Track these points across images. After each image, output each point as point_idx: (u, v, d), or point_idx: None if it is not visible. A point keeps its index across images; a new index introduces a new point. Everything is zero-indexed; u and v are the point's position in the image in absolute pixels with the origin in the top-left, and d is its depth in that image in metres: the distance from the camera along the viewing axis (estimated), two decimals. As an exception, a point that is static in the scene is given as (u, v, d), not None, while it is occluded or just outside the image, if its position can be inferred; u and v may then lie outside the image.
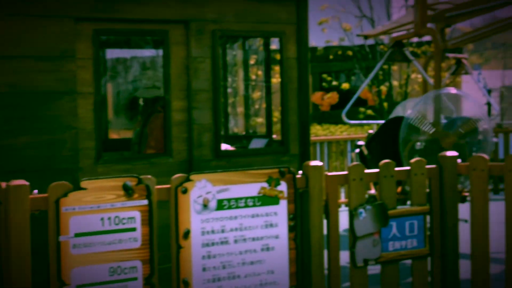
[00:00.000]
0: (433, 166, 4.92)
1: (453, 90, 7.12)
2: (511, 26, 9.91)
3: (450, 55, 11.36)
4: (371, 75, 9.42)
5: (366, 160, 7.40)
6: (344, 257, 4.82)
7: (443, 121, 6.95)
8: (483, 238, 4.86)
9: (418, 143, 6.66)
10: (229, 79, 11.29)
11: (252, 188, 4.28)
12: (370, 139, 7.70)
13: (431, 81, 8.52)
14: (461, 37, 10.07)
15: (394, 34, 9.06)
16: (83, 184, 3.85)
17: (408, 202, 5.37)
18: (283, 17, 6.17)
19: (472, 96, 7.06)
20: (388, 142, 7.21)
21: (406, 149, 6.69)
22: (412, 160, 4.87)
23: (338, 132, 22.46)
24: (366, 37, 12.12)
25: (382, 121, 8.35)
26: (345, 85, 23.54)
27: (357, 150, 7.66)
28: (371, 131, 9.21)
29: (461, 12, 7.82)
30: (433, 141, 6.66)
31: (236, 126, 12.35)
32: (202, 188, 4.13)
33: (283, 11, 6.15)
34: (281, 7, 6.15)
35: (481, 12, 8.24)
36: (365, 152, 7.54)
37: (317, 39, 23.97)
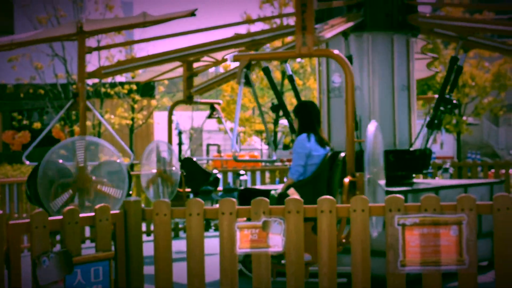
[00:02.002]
0: (118, 211, 4.99)
1: (90, 138, 7.26)
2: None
3: (204, 100, 11.86)
4: (59, 114, 9.33)
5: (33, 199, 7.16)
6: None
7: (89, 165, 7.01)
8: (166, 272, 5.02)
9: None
10: None
11: None
12: (29, 176, 7.55)
13: (105, 122, 8.69)
14: (204, 84, 10.98)
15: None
16: None
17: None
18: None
19: (106, 142, 7.21)
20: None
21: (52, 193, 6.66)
22: (97, 206, 4.89)
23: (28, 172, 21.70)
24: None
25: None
26: (37, 124, 22.98)
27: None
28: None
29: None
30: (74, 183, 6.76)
31: None
32: None
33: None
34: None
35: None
36: (28, 191, 7.38)
37: (7, 76, 23.09)
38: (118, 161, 6.88)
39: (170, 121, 11.01)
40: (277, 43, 17.36)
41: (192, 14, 8.09)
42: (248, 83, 6.88)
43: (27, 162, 8.32)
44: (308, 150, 6.67)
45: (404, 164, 8.65)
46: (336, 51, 6.60)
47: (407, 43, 8.99)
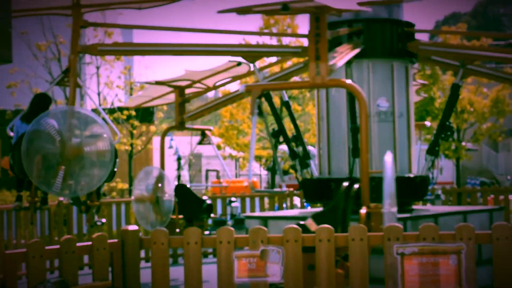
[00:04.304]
0: (115, 240, 4.97)
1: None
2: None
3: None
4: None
5: None
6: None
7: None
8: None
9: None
10: None
11: None
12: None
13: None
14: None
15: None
16: None
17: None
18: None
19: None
20: None
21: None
22: (94, 235, 4.88)
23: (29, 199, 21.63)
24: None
25: None
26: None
27: None
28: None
29: None
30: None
31: None
32: None
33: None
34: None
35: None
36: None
37: (6, 102, 23.12)
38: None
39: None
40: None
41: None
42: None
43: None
44: None
45: (405, 191, 8.61)
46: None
47: (406, 70, 9.03)
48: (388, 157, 5.94)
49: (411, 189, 8.68)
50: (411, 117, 9.12)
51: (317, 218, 6.34)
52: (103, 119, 6.90)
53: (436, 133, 9.15)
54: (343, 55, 7.82)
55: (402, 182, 8.62)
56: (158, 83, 10.30)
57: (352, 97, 8.33)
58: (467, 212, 8.75)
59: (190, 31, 8.27)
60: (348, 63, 8.35)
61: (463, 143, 26.86)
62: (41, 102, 8.01)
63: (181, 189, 10.36)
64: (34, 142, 6.25)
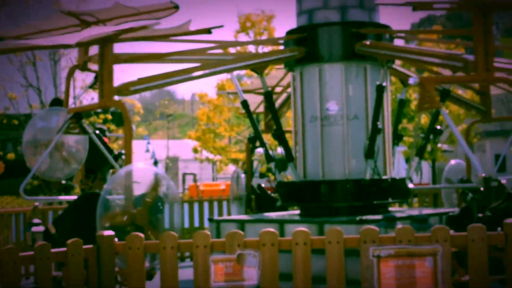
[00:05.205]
0: (90, 246, 4.92)
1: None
2: None
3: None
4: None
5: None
6: None
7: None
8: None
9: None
10: None
11: None
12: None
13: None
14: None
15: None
16: None
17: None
18: None
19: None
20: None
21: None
22: (69, 241, 4.83)
23: (3, 204, 21.47)
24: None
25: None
26: (11, 155, 22.78)
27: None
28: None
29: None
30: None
31: None
32: None
33: None
34: None
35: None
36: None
37: (-21, 107, 22.98)
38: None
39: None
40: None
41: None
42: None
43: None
44: None
45: (379, 192, 8.61)
46: None
47: (365, 71, 8.84)
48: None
49: (387, 190, 8.67)
50: (369, 119, 8.90)
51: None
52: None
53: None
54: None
55: (376, 184, 8.63)
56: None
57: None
58: (443, 213, 8.78)
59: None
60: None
61: (439, 145, 27.04)
62: None
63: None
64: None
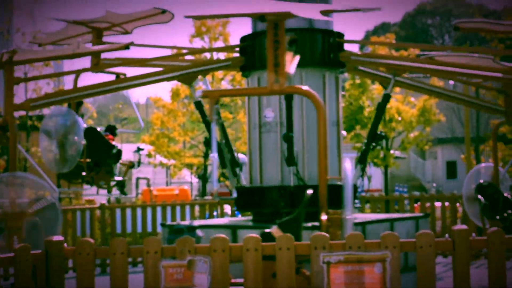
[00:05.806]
0: (39, 251, 4.85)
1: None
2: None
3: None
4: None
5: None
6: None
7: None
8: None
9: None
10: None
11: None
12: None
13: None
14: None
15: None
16: None
17: None
18: None
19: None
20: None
21: None
22: (17, 246, 4.75)
23: None
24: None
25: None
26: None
27: None
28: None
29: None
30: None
31: None
32: None
33: None
34: None
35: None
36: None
37: None
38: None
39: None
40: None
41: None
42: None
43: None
44: None
45: (331, 198, 8.68)
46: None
47: (336, 79, 9.14)
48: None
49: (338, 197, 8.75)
50: (340, 125, 9.25)
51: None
52: None
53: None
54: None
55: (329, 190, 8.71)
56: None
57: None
58: (394, 219, 8.90)
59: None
60: None
61: (392, 151, 27.37)
62: None
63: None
64: None
